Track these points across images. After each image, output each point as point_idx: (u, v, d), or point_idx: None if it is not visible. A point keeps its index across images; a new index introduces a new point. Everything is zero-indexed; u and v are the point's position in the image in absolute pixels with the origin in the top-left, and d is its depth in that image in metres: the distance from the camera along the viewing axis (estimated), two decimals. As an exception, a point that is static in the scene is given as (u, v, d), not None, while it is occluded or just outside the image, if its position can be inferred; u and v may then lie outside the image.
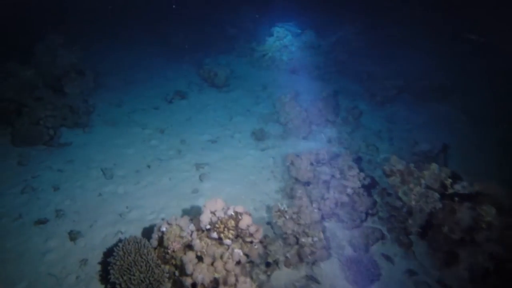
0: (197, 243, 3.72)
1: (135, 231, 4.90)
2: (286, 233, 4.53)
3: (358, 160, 6.44)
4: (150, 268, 3.73)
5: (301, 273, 4.43)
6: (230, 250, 3.65)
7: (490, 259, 3.70)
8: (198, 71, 10.51)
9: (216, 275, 3.58)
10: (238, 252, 3.60)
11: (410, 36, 12.40)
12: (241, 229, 3.59)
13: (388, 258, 4.79)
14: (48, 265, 4.37)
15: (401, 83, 10.06)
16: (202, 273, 3.52)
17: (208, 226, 3.73)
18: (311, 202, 5.12)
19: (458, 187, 4.10)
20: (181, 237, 3.84)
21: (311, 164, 5.76)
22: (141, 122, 7.91)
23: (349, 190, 5.07)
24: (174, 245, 3.77)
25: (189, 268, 3.53)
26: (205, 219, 3.74)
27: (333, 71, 11.17)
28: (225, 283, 3.49)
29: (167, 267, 3.88)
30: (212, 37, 12.71)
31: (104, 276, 4.07)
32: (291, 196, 5.58)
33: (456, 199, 4.07)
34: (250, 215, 3.67)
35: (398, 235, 4.87)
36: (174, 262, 3.89)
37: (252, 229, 3.62)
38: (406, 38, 12.33)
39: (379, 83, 10.15)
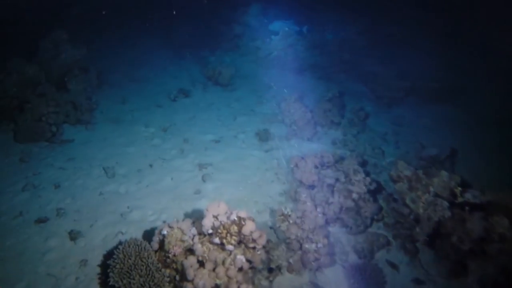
0: (198, 248, 3.63)
1: (136, 232, 4.83)
2: (289, 238, 4.43)
3: (363, 164, 6.32)
4: (151, 272, 3.65)
5: (304, 279, 4.34)
6: (232, 256, 3.56)
7: (502, 272, 3.58)
8: (202, 69, 10.43)
9: (218, 282, 3.50)
10: (241, 258, 3.51)
11: (413, 36, 12.21)
12: (244, 235, 3.49)
13: (393, 265, 4.69)
14: (47, 265, 4.32)
15: (408, 85, 9.90)
16: (203, 279, 3.44)
17: (210, 231, 3.65)
18: (316, 206, 5.02)
19: (468, 195, 3.98)
20: (183, 241, 3.76)
21: (316, 167, 5.66)
22: (144, 120, 7.84)
23: (354, 195, 4.96)
24: (175, 249, 3.68)
25: (190, 273, 3.45)
26: (207, 223, 3.66)
27: (338, 71, 11.04)
28: (226, 289, 3.41)
29: (167, 271, 3.80)
30: (217, 34, 12.59)
31: (104, 279, 4.00)
32: (295, 199, 5.48)
33: (467, 208, 3.95)
34: (253, 220, 3.58)
35: (404, 242, 4.77)
36: (175, 266, 3.81)
37: (256, 235, 3.53)
38: (409, 37, 12.14)
39: (385, 84, 10.00)
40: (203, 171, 6.15)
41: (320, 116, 7.88)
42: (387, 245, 4.87)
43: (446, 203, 4.09)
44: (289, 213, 4.68)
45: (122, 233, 4.78)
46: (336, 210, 5.03)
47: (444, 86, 9.94)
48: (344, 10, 13.02)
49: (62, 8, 10.41)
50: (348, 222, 5.04)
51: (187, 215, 5.13)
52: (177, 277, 3.74)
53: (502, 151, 7.20)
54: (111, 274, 3.67)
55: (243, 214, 3.59)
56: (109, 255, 4.26)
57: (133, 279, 3.59)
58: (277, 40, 11.77)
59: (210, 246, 3.68)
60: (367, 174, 5.57)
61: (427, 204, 4.16)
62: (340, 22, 12.93)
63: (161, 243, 3.88)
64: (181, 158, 6.56)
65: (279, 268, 4.29)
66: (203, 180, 5.91)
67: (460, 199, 4.07)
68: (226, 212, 3.72)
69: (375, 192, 5.34)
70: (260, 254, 3.71)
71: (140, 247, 3.86)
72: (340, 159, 5.99)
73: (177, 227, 3.84)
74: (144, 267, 3.68)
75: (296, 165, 5.75)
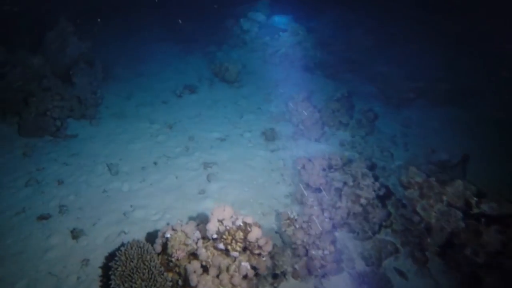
0: (202, 253, 3.54)
1: (139, 232, 4.75)
2: (295, 243, 4.32)
3: (372, 167, 6.16)
4: (153, 276, 3.57)
5: (309, 286, 4.23)
6: (237, 263, 3.46)
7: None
8: (209, 65, 10.28)
9: (222, 288, 3.41)
10: (246, 265, 3.41)
11: (422, 36, 11.95)
12: (250, 242, 3.39)
13: (401, 273, 4.56)
14: (49, 263, 4.26)
15: (417, 85, 9.69)
16: (207, 286, 3.34)
17: (215, 236, 3.55)
18: (323, 210, 4.89)
19: (485, 207, 3.83)
20: (186, 244, 3.66)
21: (323, 169, 5.52)
22: (149, 116, 7.74)
23: (363, 200, 4.82)
24: (179, 253, 3.59)
25: (194, 279, 3.36)
26: (212, 227, 3.55)
27: (346, 70, 10.83)
28: (230, 297, 3.32)
29: (170, 275, 3.72)
30: (224, 29, 12.41)
31: (105, 281, 3.93)
32: (301, 202, 5.36)
33: (482, 220, 3.81)
34: (259, 226, 3.47)
35: (413, 250, 4.63)
36: (177, 270, 3.72)
37: (262, 241, 3.42)
38: (418, 38, 11.88)
39: (394, 85, 9.80)
40: (208, 170, 6.05)
41: (328, 116, 7.72)
42: (395, 252, 4.74)
43: (460, 214, 3.94)
44: (295, 217, 4.57)
45: (125, 233, 4.70)
46: (344, 215, 4.90)
47: (454, 88, 9.70)
48: (349, 10, 12.85)
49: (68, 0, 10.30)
50: (356, 227, 4.91)
51: (191, 216, 5.04)
52: (180, 282, 3.65)
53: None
54: (112, 276, 3.59)
55: (249, 220, 3.48)
56: (111, 256, 4.20)
57: (135, 282, 3.51)
58: (286, 37, 11.56)
59: (215, 251, 3.58)
60: (376, 178, 5.43)
61: (440, 213, 4.02)
62: (347, 21, 12.72)
63: (164, 246, 3.79)
64: (186, 156, 6.46)
65: (284, 274, 4.18)
66: (208, 180, 5.81)
67: (475, 210, 3.92)
68: (231, 217, 3.61)
69: (383, 198, 5.20)
70: (265, 261, 3.61)
71: (142, 250, 3.78)
72: (348, 162, 5.84)
73: (181, 230, 3.75)
74: (147, 270, 3.60)
75: (303, 167, 5.62)
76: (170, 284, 3.62)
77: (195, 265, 3.52)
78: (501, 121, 8.50)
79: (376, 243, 4.75)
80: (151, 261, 3.67)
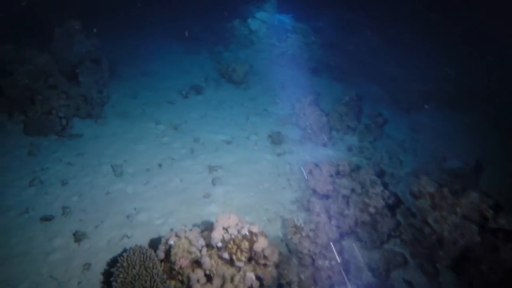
0: (206, 261, 3.45)
1: (142, 236, 4.67)
2: (301, 252, 4.21)
3: (380, 174, 6.03)
4: (155, 284, 3.48)
5: (315, 296, 4.12)
6: (242, 273, 3.36)
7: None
8: (215, 65, 10.19)
9: (225, 299, 3.31)
10: (251, 276, 3.30)
11: (430, 37, 11.73)
12: (256, 252, 3.28)
13: (410, 284, 4.42)
14: (51, 266, 4.20)
15: (427, 89, 9.51)
16: (210, 297, 3.25)
17: (220, 244, 3.45)
18: (330, 218, 4.77)
19: (503, 221, 3.67)
20: (190, 252, 3.57)
21: (331, 175, 5.40)
22: (155, 116, 7.66)
23: (371, 209, 4.69)
24: (182, 261, 3.50)
25: (197, 289, 3.26)
26: (217, 235, 3.46)
27: (354, 72, 10.66)
28: (234, 308, 3.22)
29: (172, 283, 3.63)
30: (231, 30, 12.30)
31: (106, 287, 3.85)
32: (307, 209, 5.24)
33: (500, 235, 3.65)
34: (265, 236, 3.36)
35: (422, 262, 4.49)
36: (180, 278, 3.63)
37: (267, 251, 3.32)
38: (427, 41, 11.67)
39: (404, 88, 9.63)
40: (213, 174, 5.95)
41: (335, 120, 7.59)
42: (404, 264, 4.61)
43: (475, 227, 3.79)
44: (302, 224, 4.46)
45: (128, 237, 4.62)
46: (351, 224, 4.78)
47: (464, 92, 9.49)
48: (354, 11, 12.70)
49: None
50: (363, 236, 4.78)
51: (195, 220, 4.95)
52: (183, 290, 3.56)
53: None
54: (114, 283, 3.52)
55: (255, 229, 3.38)
56: (113, 261, 4.12)
57: (137, 290, 3.43)
58: (293, 38, 11.43)
59: (219, 260, 3.48)
60: (385, 185, 5.30)
61: (453, 226, 3.88)
62: (353, 22, 12.57)
63: (167, 252, 3.70)
64: (191, 158, 6.37)
65: (289, 284, 4.07)
66: (213, 184, 5.72)
67: (492, 224, 3.77)
68: (237, 225, 3.51)
69: (393, 206, 5.06)
70: (271, 271, 3.50)
71: (145, 256, 3.70)
72: (356, 168, 5.72)
73: (185, 237, 3.66)
74: (149, 277, 3.51)
75: (310, 172, 5.51)
76: (173, 292, 3.54)
77: (199, 273, 3.43)
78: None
79: (384, 253, 4.62)
80: (153, 268, 3.59)
